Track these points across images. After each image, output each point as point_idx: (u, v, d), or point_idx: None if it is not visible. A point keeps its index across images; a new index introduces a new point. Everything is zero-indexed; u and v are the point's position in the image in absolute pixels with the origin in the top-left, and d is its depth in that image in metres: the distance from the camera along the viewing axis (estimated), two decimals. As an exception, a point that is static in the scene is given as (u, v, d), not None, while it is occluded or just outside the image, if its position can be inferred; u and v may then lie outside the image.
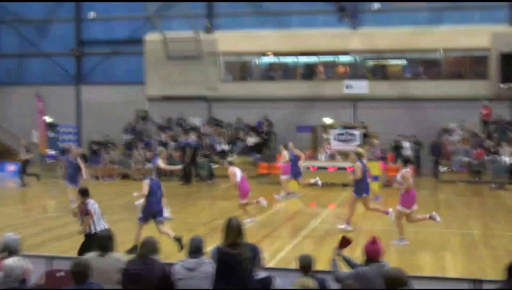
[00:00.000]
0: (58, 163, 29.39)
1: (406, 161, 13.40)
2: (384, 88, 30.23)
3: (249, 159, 28.19)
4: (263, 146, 29.38)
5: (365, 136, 26.94)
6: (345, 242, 7.60)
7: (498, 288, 6.43)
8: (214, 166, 26.87)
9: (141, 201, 12.87)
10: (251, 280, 6.88)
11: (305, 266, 6.99)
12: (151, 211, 12.23)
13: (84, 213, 10.35)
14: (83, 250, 9.49)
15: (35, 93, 32.76)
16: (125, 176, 27.61)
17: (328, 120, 29.70)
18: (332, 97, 30.43)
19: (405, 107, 29.69)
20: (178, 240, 11.98)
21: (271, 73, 32.82)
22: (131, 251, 11.32)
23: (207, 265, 6.89)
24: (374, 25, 30.46)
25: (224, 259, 6.79)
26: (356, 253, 9.70)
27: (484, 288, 7.30)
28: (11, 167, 28.96)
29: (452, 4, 29.49)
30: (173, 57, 31.77)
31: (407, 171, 12.85)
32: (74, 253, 10.06)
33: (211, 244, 7.45)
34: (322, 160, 25.10)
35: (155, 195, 12.24)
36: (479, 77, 29.84)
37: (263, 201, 15.89)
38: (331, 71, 31.80)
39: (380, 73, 31.80)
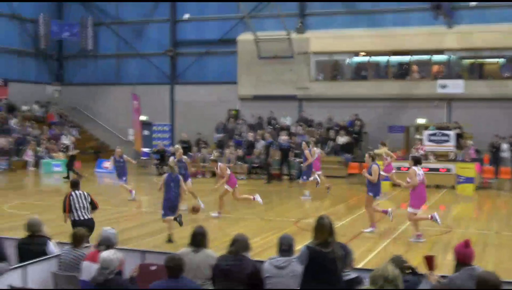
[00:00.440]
0: (152, 161, 30.22)
1: (416, 161, 13.36)
2: (480, 87, 29.21)
3: (339, 159, 27.98)
4: (354, 146, 29.08)
5: (459, 136, 26.18)
6: (430, 261, 7.23)
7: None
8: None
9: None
10: (340, 280, 6.81)
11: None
12: (169, 205, 12.89)
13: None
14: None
15: (131, 93, 33.82)
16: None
17: (421, 120, 29.08)
18: (426, 97, 29.73)
19: (503, 107, 28.61)
20: (169, 240, 12.76)
21: (362, 72, 32.42)
22: (168, 241, 12.64)
23: (296, 264, 6.87)
24: (471, 22, 29.51)
25: (315, 257, 6.73)
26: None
27: None
28: (108, 164, 29.86)
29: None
30: (264, 57, 31.96)
31: (414, 169, 13.02)
32: (166, 248, 10.31)
33: (301, 243, 7.43)
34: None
35: (170, 191, 12.85)
36: None
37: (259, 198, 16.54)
38: (425, 70, 31.05)
39: (476, 72, 30.79)
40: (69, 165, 26.06)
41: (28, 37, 36.52)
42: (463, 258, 6.66)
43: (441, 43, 29.81)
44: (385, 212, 14.44)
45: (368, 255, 11.82)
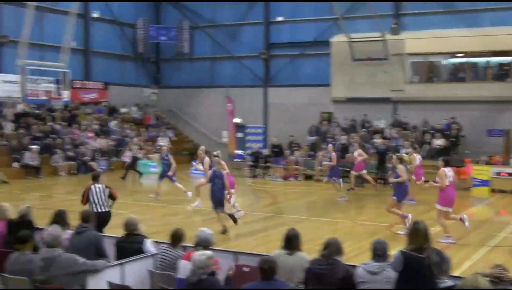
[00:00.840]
0: (246, 163, 30.49)
1: (446, 162, 13.94)
2: None
3: (435, 163, 27.22)
4: (450, 150, 28.26)
5: None
6: None
7: None
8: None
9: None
10: (436, 287, 6.64)
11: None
12: (212, 199, 14.16)
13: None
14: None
15: (225, 95, 34.30)
16: (308, 177, 27.90)
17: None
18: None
19: None
20: (224, 231, 13.91)
21: (460, 74, 31.48)
22: (223, 232, 13.79)
23: (390, 270, 6.76)
24: None
25: (409, 263, 6.60)
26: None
27: None
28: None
29: None
30: (358, 59, 31.61)
31: (444, 170, 13.48)
32: (258, 250, 10.39)
33: (395, 249, 7.30)
34: (514, 165, 23.67)
35: (214, 186, 14.05)
36: None
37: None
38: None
39: None
40: (132, 166, 27.01)
41: (127, 41, 37.77)
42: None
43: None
44: (405, 217, 14.35)
45: (465, 263, 11.46)
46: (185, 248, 8.17)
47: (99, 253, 8.21)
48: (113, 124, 33.79)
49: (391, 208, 14.67)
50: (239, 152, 32.82)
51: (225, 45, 37.30)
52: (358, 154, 23.25)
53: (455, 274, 8.43)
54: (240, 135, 34.74)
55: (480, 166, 23.53)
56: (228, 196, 15.33)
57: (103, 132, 32.27)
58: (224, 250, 8.74)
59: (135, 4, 37.88)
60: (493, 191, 21.05)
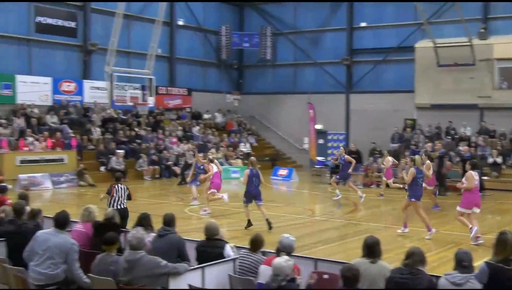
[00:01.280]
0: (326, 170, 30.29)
1: (474, 165, 14.14)
2: None
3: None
4: (540, 159, 27.17)
5: None
6: None
7: None
8: (484, 178, 25.45)
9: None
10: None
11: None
12: (250, 195, 15.38)
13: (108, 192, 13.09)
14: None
15: (307, 101, 34.26)
16: (388, 185, 27.34)
17: None
18: None
19: None
20: (268, 222, 15.01)
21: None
22: (247, 226, 15.05)
23: (475, 281, 6.53)
24: None
25: (495, 275, 6.36)
26: None
27: None
28: (283, 172, 30.42)
29: None
30: (444, 65, 30.89)
31: (471, 173, 13.79)
32: (338, 257, 10.29)
33: (479, 260, 7.06)
34: None
35: (252, 183, 15.34)
36: None
37: (225, 197, 18.09)
38: None
39: None
40: (184, 170, 27.08)
41: (210, 48, 38.35)
42: None
43: None
44: (429, 229, 14.62)
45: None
46: (264, 253, 8.19)
47: (182, 257, 8.34)
48: (196, 129, 34.33)
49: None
50: (320, 158, 32.64)
51: (307, 51, 37.28)
52: (388, 161, 23.63)
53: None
54: (321, 141, 34.58)
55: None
56: (210, 189, 17.69)
57: (186, 137, 32.83)
58: (303, 257, 8.69)
59: (219, 12, 38.50)
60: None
